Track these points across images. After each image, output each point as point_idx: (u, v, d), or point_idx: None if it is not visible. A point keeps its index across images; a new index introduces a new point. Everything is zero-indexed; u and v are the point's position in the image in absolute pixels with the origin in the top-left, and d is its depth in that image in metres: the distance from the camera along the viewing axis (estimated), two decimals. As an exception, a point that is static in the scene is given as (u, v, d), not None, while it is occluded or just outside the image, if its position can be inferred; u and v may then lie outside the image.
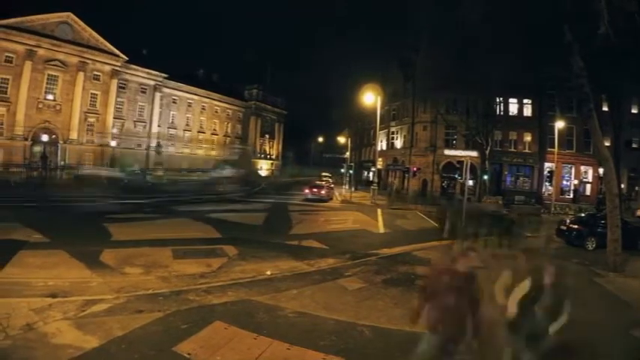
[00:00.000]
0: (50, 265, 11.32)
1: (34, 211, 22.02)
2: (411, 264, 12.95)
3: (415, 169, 46.41)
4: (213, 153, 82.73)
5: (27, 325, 6.89)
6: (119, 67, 62.16)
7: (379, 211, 30.71)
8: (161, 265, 12.00)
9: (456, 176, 34.19)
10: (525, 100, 49.02)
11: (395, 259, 13.78)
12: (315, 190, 38.44)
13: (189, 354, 6.09)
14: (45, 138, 49.28)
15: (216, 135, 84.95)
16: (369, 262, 13.34)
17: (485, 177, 43.79)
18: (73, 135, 56.74)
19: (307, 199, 36.81)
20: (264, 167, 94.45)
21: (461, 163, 20.05)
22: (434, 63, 42.65)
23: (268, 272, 11.65)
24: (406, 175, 51.13)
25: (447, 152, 49.88)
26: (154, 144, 63.04)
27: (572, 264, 14.93)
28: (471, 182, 40.00)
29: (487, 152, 43.44)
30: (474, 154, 43.20)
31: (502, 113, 48.33)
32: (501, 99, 48.13)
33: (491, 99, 46.16)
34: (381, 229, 22.86)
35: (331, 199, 39.87)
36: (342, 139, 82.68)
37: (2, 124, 50.76)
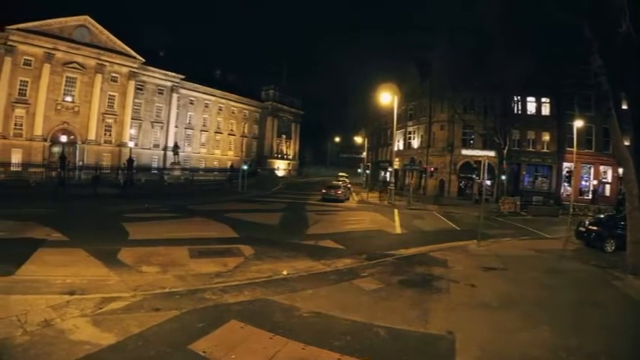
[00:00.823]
0: (68, 262, 11.49)
1: (52, 210, 22.31)
2: (427, 265, 12.83)
3: (432, 169, 46.12)
4: (230, 153, 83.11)
5: (45, 322, 6.98)
6: (136, 68, 62.76)
7: (396, 211, 30.58)
8: (178, 264, 12.09)
9: (474, 176, 33.98)
10: (543, 99, 48.12)
11: (411, 260, 13.66)
12: (331, 190, 38.22)
13: (204, 352, 6.10)
14: (64, 139, 49.95)
15: (233, 135, 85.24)
16: (386, 262, 13.23)
17: (503, 177, 43.23)
18: (91, 136, 57.48)
19: (324, 199, 36.79)
20: (281, 167, 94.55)
21: (478, 163, 19.84)
22: (451, 62, 42.36)
23: (284, 272, 11.65)
24: (423, 175, 50.81)
25: (465, 152, 49.42)
26: (171, 144, 63.53)
27: (590, 266, 14.70)
28: (488, 182, 39.71)
29: (505, 152, 42.83)
30: (492, 153, 42.77)
31: (520, 112, 47.61)
32: (519, 98, 47.42)
33: (508, 98, 45.55)
34: (398, 230, 22.69)
35: (347, 199, 39.75)
36: (359, 139, 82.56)
37: (22, 126, 51.65)
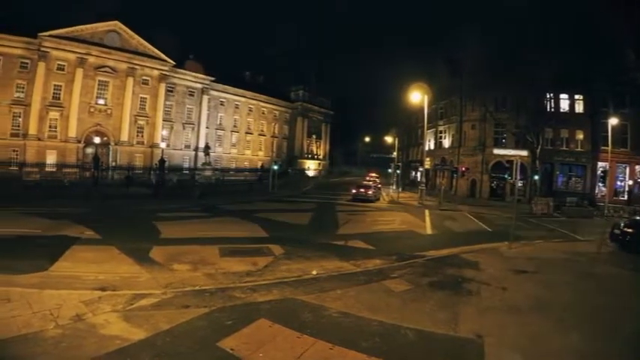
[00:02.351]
0: (101, 260, 11.74)
1: (86, 209, 22.79)
2: (458, 267, 12.59)
3: (463, 168, 45.33)
4: (261, 153, 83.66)
5: (77, 316, 7.13)
6: (167, 71, 63.86)
7: (427, 212, 30.23)
8: (208, 263, 12.20)
9: (506, 176, 33.28)
10: (577, 96, 46.73)
11: (442, 262, 13.43)
12: (362, 190, 38.02)
13: (232, 349, 6.10)
14: (97, 140, 51.36)
15: (264, 136, 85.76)
16: (416, 263, 13.04)
17: (536, 177, 42.31)
18: (124, 137, 58.80)
19: (354, 199, 36.63)
20: (311, 167, 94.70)
21: (510, 162, 19.41)
22: (481, 59, 41.74)
23: (314, 272, 11.60)
24: (454, 175, 50.08)
25: (497, 151, 48.24)
26: (202, 145, 64.30)
27: (625, 270, 14.22)
28: (521, 183, 38.93)
29: (538, 151, 41.83)
30: (524, 153, 41.73)
31: (553, 110, 46.50)
32: (551, 95, 46.28)
33: (541, 95, 44.52)
34: (429, 231, 22.45)
35: (378, 199, 39.70)
36: (389, 139, 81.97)
37: (56, 128, 53.37)
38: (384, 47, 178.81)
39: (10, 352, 5.77)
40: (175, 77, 65.75)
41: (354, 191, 38.07)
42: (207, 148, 58.07)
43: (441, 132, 58.47)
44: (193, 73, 68.07)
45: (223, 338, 6.49)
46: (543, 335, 7.54)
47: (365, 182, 44.81)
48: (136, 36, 59.75)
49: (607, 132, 39.12)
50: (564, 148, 47.18)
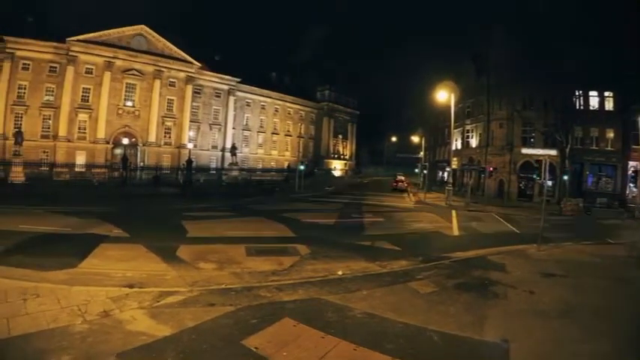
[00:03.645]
0: (128, 257, 11.95)
1: (114, 208, 23.18)
2: (484, 269, 12.36)
3: (491, 168, 44.70)
4: (287, 154, 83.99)
5: (104, 312, 7.27)
6: (193, 73, 64.82)
7: (454, 212, 29.88)
8: (234, 262, 12.28)
9: (534, 176, 32.64)
10: (607, 93, 45.33)
11: (468, 263, 13.21)
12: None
13: (256, 348, 6.11)
14: (125, 141, 52.38)
15: (290, 136, 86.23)
16: (442, 265, 12.86)
17: (565, 177, 41.38)
18: (152, 138, 59.98)
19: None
20: (337, 167, 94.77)
21: (539, 162, 18.98)
22: (508, 56, 41.08)
23: (339, 272, 11.53)
24: (482, 175, 49.43)
25: (525, 151, 47.33)
26: (229, 145, 64.90)
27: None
28: (550, 183, 38.16)
29: (567, 151, 40.90)
30: (553, 152, 40.96)
31: (582, 107, 45.32)
32: (580, 92, 45.07)
33: (569, 92, 43.53)
34: (456, 232, 22.13)
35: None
36: (415, 139, 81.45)
37: (85, 130, 54.93)
38: (410, 46, 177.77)
39: (38, 345, 5.89)
40: (202, 79, 66.61)
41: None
42: (233, 148, 58.54)
43: (468, 131, 57.71)
44: (219, 75, 68.89)
45: (248, 337, 6.51)
46: (571, 341, 7.32)
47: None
48: (162, 39, 60.92)
49: (638, 130, 38.09)
50: (594, 148, 45.70)
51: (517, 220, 27.58)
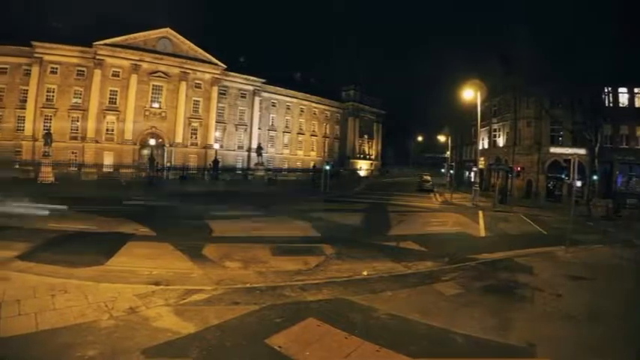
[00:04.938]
0: (155, 256, 12.13)
1: (142, 207, 23.53)
2: (511, 271, 12.14)
3: (519, 168, 43.95)
4: (313, 154, 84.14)
5: (130, 309, 7.42)
6: (218, 74, 65.72)
7: (481, 213, 29.46)
8: (260, 261, 12.33)
9: (563, 176, 31.96)
10: (636, 90, 43.88)
11: (495, 265, 12.99)
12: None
13: (280, 347, 6.13)
14: (152, 142, 53.35)
15: (315, 136, 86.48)
16: (468, 266, 12.68)
17: (595, 177, 40.42)
18: (178, 139, 61.01)
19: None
20: (363, 167, 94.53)
21: (568, 161, 18.54)
22: (535, 53, 40.35)
23: (364, 272, 11.47)
24: (509, 175, 48.64)
25: (553, 150, 46.25)
26: (254, 146, 65.37)
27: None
28: (579, 183, 37.29)
29: (596, 149, 39.90)
30: (582, 151, 39.87)
31: (611, 105, 43.98)
32: (609, 89, 43.81)
33: (598, 89, 42.41)
34: (482, 233, 21.75)
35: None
36: (442, 138, 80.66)
37: (113, 131, 56.41)
38: (436, 45, 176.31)
39: (65, 339, 6.03)
40: (227, 80, 67.31)
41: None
42: (259, 148, 58.98)
43: (494, 130, 56.69)
44: (244, 76, 69.55)
45: (272, 335, 6.54)
46: (599, 347, 7.13)
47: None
48: (187, 41, 61.97)
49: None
50: (624, 146, 44.16)
51: (545, 222, 27.07)
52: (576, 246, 16.58)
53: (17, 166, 45.96)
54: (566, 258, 14.79)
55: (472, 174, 55.77)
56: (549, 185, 47.40)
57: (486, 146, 57.36)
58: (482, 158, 51.69)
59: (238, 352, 6.00)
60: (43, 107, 52.89)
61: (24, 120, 52.59)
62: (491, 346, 6.77)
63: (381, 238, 17.62)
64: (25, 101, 52.52)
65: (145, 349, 5.84)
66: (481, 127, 45.93)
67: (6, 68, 52.84)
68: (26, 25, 49.92)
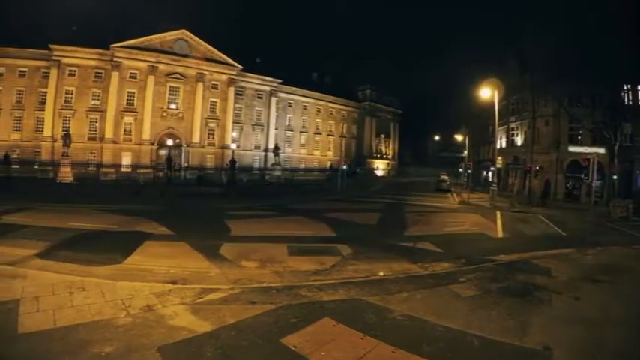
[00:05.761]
0: (172, 254, 12.29)
1: (159, 207, 23.78)
2: (529, 273, 11.96)
3: (536, 168, 43.41)
4: (330, 154, 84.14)
5: (147, 307, 7.52)
6: (235, 75, 66.14)
7: (498, 213, 29.19)
8: (276, 261, 12.39)
9: (582, 176, 31.49)
10: None
11: (512, 267, 12.82)
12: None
13: (295, 346, 6.14)
14: (169, 142, 53.89)
15: (332, 136, 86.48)
16: (485, 268, 12.55)
17: (614, 177, 39.71)
18: (195, 139, 61.54)
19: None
20: (380, 167, 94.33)
21: (587, 161, 18.25)
22: (553, 51, 39.80)
23: (381, 273, 11.47)
24: (527, 175, 48.00)
25: (571, 149, 45.41)
26: (271, 146, 65.59)
27: None
28: (598, 183, 36.69)
29: (615, 149, 39.11)
30: (601, 150, 39.08)
31: (631, 103, 42.78)
32: (629, 86, 42.69)
33: (617, 87, 41.46)
34: (500, 234, 21.56)
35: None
36: (459, 137, 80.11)
37: (131, 132, 57.23)
38: (453, 44, 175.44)
39: (82, 336, 6.13)
40: (243, 81, 67.70)
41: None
42: (276, 148, 59.19)
43: (512, 129, 55.95)
44: (261, 76, 69.90)
45: (287, 335, 6.56)
46: (617, 352, 6.99)
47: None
48: (203, 43, 62.48)
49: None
50: (644, 145, 43.42)
51: (564, 222, 26.70)
52: (595, 248, 16.34)
53: (37, 167, 46.91)
54: (585, 260, 14.57)
55: (490, 174, 55.30)
56: (568, 185, 46.66)
57: (504, 145, 56.63)
58: (500, 158, 51.04)
59: (254, 351, 6.03)
60: (62, 109, 53.89)
61: (43, 121, 53.75)
62: (507, 349, 6.68)
63: (397, 239, 17.57)
64: (44, 103, 53.71)
65: (161, 347, 5.90)
66: (499, 126, 45.30)
67: (25, 71, 54.21)
68: (44, 28, 50.89)
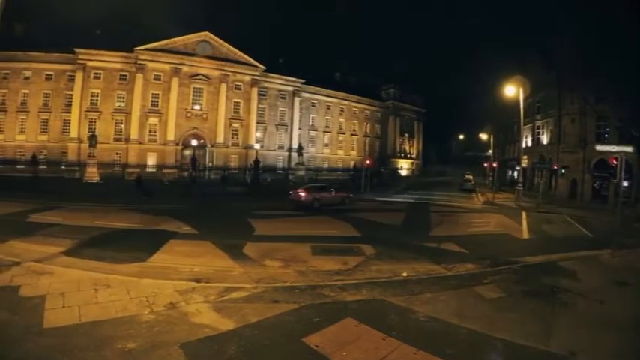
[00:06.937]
0: (196, 253, 12.44)
1: (184, 206, 24.04)
2: (554, 275, 11.72)
3: (563, 167, 42.58)
4: (353, 153, 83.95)
5: (170, 304, 7.65)
6: (258, 76, 66.22)
7: (524, 214, 28.73)
8: (300, 260, 12.44)
9: (610, 176, 30.71)
10: None
11: (537, 269, 12.60)
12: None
13: (317, 346, 6.17)
14: (194, 143, 54.34)
15: (356, 135, 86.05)
16: (510, 269, 12.35)
17: None
18: (219, 139, 61.87)
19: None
20: (404, 167, 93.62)
21: (615, 160, 17.74)
22: (579, 47, 39.01)
23: (404, 274, 11.40)
24: (554, 174, 47.07)
25: (599, 148, 43.65)
26: (295, 146, 65.76)
27: None
28: (626, 183, 35.78)
29: (643, 146, 38.21)
30: (629, 149, 38.07)
31: None
32: None
33: None
34: (525, 235, 21.18)
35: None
36: (484, 136, 78.97)
37: (155, 132, 57.78)
38: (478, 43, 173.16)
39: (106, 331, 6.28)
40: (267, 81, 67.83)
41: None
42: (300, 148, 59.29)
43: (538, 127, 54.74)
44: (284, 77, 69.92)
45: (309, 334, 6.59)
46: (641, 357, 6.89)
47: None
48: (226, 44, 62.77)
49: None
50: (673, 143, 42.04)
51: (590, 223, 26.13)
52: (623, 250, 15.97)
53: (63, 167, 47.97)
54: (611, 262, 14.24)
55: (515, 173, 54.48)
56: (595, 185, 45.40)
57: (529, 144, 55.54)
58: (525, 157, 50.05)
59: (276, 349, 6.07)
60: (88, 111, 54.90)
61: (69, 123, 54.84)
62: (530, 353, 6.56)
63: (421, 239, 17.46)
64: (70, 105, 54.80)
65: (184, 344, 5.99)
66: (524, 125, 44.52)
67: (51, 74, 55.42)
68: (68, 33, 51.81)
